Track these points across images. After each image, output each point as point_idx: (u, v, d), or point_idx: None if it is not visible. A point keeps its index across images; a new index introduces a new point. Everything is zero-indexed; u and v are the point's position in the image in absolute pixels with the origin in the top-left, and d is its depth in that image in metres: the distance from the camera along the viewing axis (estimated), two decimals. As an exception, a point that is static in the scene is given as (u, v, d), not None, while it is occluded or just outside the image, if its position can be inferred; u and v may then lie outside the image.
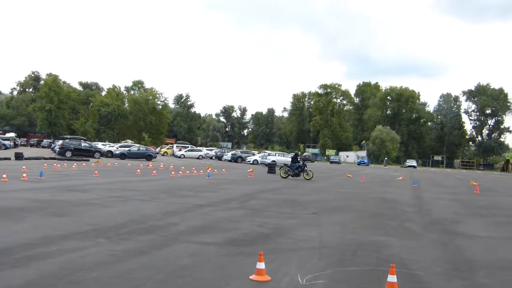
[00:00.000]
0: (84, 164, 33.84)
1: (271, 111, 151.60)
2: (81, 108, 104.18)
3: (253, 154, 62.43)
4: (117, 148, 54.76)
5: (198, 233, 9.33)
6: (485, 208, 17.70)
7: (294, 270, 6.76)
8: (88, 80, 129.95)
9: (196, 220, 10.87)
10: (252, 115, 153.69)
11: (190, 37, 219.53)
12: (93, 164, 33.87)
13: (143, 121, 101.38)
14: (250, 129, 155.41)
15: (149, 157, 48.58)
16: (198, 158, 63.83)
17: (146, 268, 6.46)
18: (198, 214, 11.94)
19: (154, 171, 28.49)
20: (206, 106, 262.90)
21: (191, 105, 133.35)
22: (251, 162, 55.16)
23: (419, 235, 10.66)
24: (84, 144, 45.82)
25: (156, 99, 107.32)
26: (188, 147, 70.30)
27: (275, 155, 54.44)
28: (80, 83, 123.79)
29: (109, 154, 49.94)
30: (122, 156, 48.24)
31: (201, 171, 31.42)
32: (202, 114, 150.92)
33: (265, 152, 62.38)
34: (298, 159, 29.84)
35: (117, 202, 13.34)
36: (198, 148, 76.69)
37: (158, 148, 77.69)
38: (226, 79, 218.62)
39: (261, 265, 6.24)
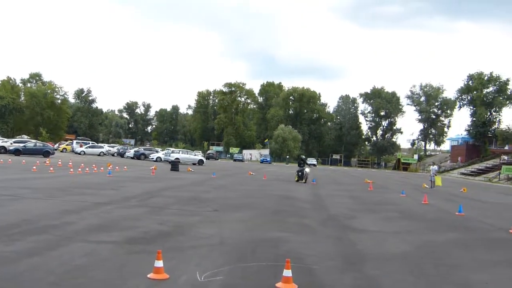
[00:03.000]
0: (-29, 160, 31.40)
1: (175, 108, 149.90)
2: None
3: (157, 151, 61.43)
4: (11, 143, 51.48)
5: (96, 232, 9.08)
6: (377, 204, 18.94)
7: (193, 268, 6.82)
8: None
9: (94, 219, 10.55)
10: (156, 111, 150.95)
11: (93, 31, 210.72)
12: (-19, 160, 31.52)
13: (40, 115, 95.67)
14: (154, 126, 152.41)
15: (46, 153, 46.11)
16: (99, 155, 61.79)
17: (38, 270, 6.19)
18: (96, 212, 11.59)
19: (52, 168, 27.16)
20: (109, 101, 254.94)
21: (93, 100, 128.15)
22: (155, 159, 54.23)
23: (316, 230, 11.16)
24: (-29, 139, 42.57)
25: (55, 93, 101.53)
26: (88, 143, 68.03)
27: (179, 153, 53.95)
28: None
29: (2, 150, 46.98)
30: (17, 152, 45.28)
31: (102, 168, 30.40)
32: (104, 110, 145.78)
33: (168, 150, 61.59)
34: (303, 163, 30.59)
35: (9, 201, 12.58)
36: (100, 144, 74.39)
37: (57, 144, 73.96)
38: (130, 75, 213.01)
39: (159, 263, 6.23)
